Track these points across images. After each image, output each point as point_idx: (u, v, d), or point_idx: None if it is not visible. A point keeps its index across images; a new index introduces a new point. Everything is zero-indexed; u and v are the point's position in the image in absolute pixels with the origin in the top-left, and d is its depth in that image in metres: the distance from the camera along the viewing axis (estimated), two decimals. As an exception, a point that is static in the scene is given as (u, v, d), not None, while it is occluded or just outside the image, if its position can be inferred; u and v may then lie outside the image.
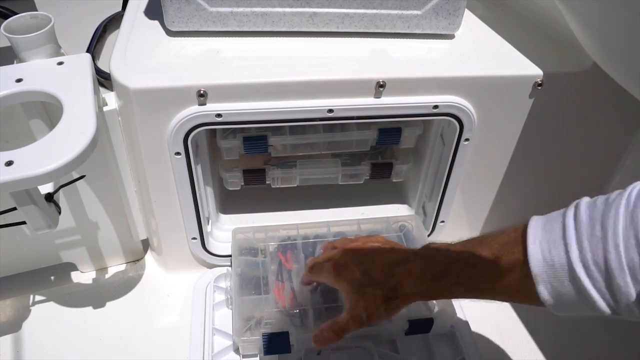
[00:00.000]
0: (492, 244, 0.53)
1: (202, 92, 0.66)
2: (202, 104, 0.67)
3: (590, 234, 0.44)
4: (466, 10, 0.76)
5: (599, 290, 0.44)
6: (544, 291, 0.47)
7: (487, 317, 0.85)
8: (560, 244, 0.46)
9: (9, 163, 0.52)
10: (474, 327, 0.80)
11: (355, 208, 0.98)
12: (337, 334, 0.62)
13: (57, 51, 0.68)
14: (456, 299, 0.78)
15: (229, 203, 0.97)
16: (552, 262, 0.46)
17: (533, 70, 0.72)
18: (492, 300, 0.55)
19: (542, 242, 0.48)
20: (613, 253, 0.42)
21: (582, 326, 0.85)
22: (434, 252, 0.59)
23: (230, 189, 0.89)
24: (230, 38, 0.74)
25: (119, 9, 1.40)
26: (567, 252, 0.45)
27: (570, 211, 0.47)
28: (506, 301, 0.55)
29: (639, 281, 0.41)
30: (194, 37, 0.74)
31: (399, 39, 0.77)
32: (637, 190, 0.43)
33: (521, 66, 0.73)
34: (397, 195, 1.01)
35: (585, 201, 0.47)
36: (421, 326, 0.75)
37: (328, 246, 0.73)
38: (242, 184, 0.88)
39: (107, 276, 0.89)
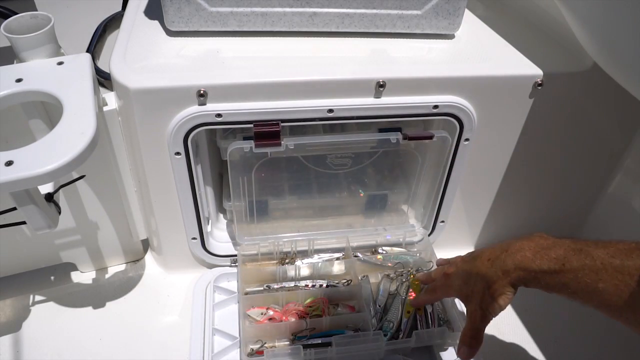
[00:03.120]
0: (607, 246, 0.51)
1: (202, 92, 0.66)
2: (202, 104, 0.67)
3: None
4: (466, 10, 0.76)
5: None
6: None
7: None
8: None
9: (9, 163, 0.52)
10: (474, 327, 0.80)
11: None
12: (474, 337, 0.64)
13: (57, 51, 0.68)
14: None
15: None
16: None
17: (533, 70, 0.72)
18: (590, 304, 0.51)
19: None
20: None
21: (583, 326, 0.85)
22: (544, 238, 0.58)
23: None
24: (230, 38, 0.74)
25: (119, 9, 1.40)
26: None
27: None
28: (606, 312, 0.50)
29: None
30: (194, 37, 0.74)
31: (399, 39, 0.77)
32: None
33: (521, 66, 0.73)
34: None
35: None
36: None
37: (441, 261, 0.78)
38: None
39: (107, 276, 0.89)
